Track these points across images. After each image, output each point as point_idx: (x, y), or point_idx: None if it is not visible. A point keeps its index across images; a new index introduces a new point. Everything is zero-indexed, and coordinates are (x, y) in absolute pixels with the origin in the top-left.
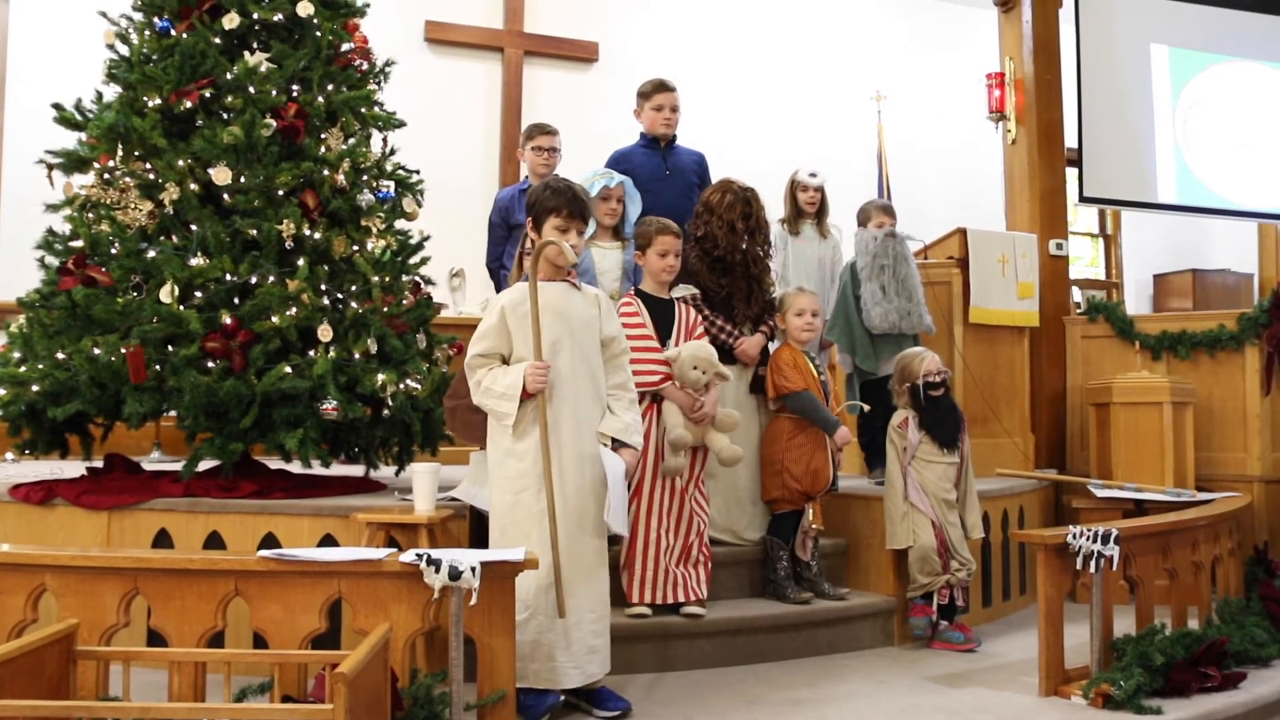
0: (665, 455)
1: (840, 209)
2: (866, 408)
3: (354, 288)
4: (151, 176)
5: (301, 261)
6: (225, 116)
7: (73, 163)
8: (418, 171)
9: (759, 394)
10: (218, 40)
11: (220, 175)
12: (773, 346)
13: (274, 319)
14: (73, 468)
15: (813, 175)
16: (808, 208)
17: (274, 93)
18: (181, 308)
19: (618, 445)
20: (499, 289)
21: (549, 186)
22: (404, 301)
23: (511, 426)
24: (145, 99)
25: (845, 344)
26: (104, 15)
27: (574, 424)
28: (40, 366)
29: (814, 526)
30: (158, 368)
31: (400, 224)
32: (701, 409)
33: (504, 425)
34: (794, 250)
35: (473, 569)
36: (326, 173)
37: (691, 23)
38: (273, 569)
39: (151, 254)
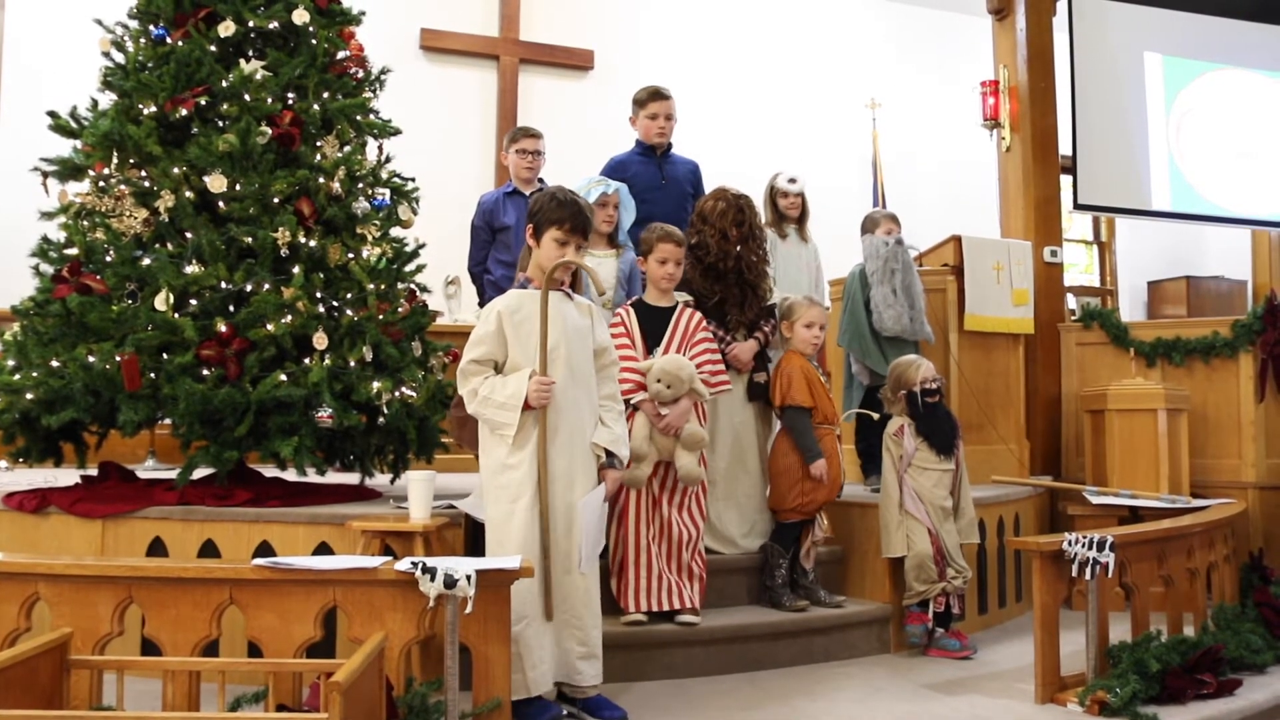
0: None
1: (836, 217)
2: (875, 416)
3: (349, 295)
4: (146, 184)
5: (297, 269)
6: (221, 124)
7: (68, 170)
8: (413, 179)
9: (754, 401)
10: (213, 48)
11: (215, 183)
12: (772, 354)
13: (269, 327)
14: (67, 476)
15: (792, 181)
16: (789, 213)
17: (269, 100)
18: (176, 315)
19: (608, 457)
20: (481, 293)
21: (554, 197)
22: (399, 309)
23: (510, 437)
24: (140, 106)
25: (859, 351)
26: (99, 23)
27: (570, 433)
28: (35, 374)
29: (822, 534)
30: (152, 375)
31: (395, 231)
32: (664, 421)
33: (500, 435)
34: (781, 254)
35: (468, 577)
36: (322, 180)
37: (687, 31)
38: (267, 577)
39: (146, 261)
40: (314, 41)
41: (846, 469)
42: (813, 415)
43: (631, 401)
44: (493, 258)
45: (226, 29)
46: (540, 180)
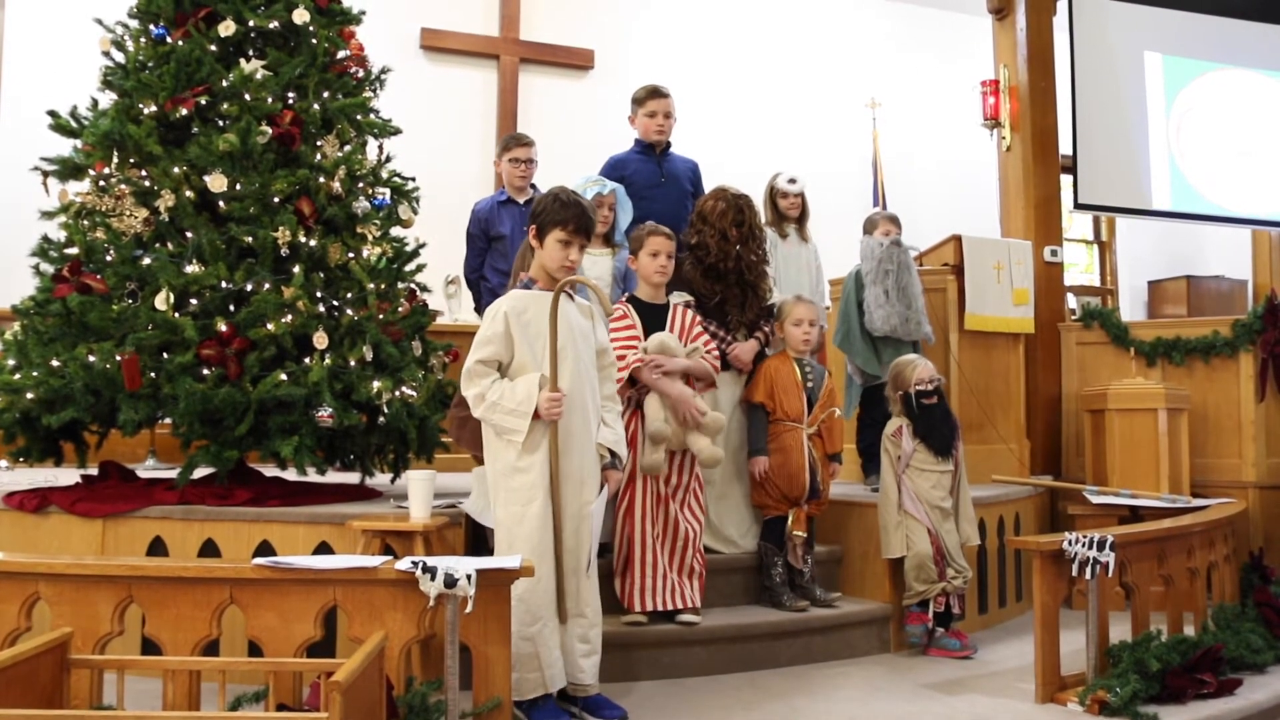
0: (644, 450)
1: (836, 216)
2: (837, 413)
3: (349, 295)
4: (147, 184)
5: (297, 269)
6: (221, 124)
7: (68, 170)
8: (413, 178)
9: None
10: (213, 47)
11: (216, 182)
12: (771, 353)
13: (269, 326)
14: (67, 475)
15: (792, 181)
16: (789, 213)
17: (270, 100)
18: (176, 315)
19: (611, 457)
20: (478, 299)
21: (558, 198)
22: (399, 309)
23: (520, 443)
24: (141, 106)
25: (849, 350)
26: (100, 22)
27: (578, 435)
28: (35, 374)
29: (795, 534)
30: (153, 375)
31: (396, 231)
32: (665, 368)
33: (507, 440)
34: (781, 254)
35: (468, 577)
36: (322, 180)
37: (687, 30)
38: (268, 577)
39: (147, 261)
40: (314, 41)
41: (845, 469)
42: (772, 414)
43: (628, 369)
44: (489, 265)
45: (227, 28)
46: (533, 186)
